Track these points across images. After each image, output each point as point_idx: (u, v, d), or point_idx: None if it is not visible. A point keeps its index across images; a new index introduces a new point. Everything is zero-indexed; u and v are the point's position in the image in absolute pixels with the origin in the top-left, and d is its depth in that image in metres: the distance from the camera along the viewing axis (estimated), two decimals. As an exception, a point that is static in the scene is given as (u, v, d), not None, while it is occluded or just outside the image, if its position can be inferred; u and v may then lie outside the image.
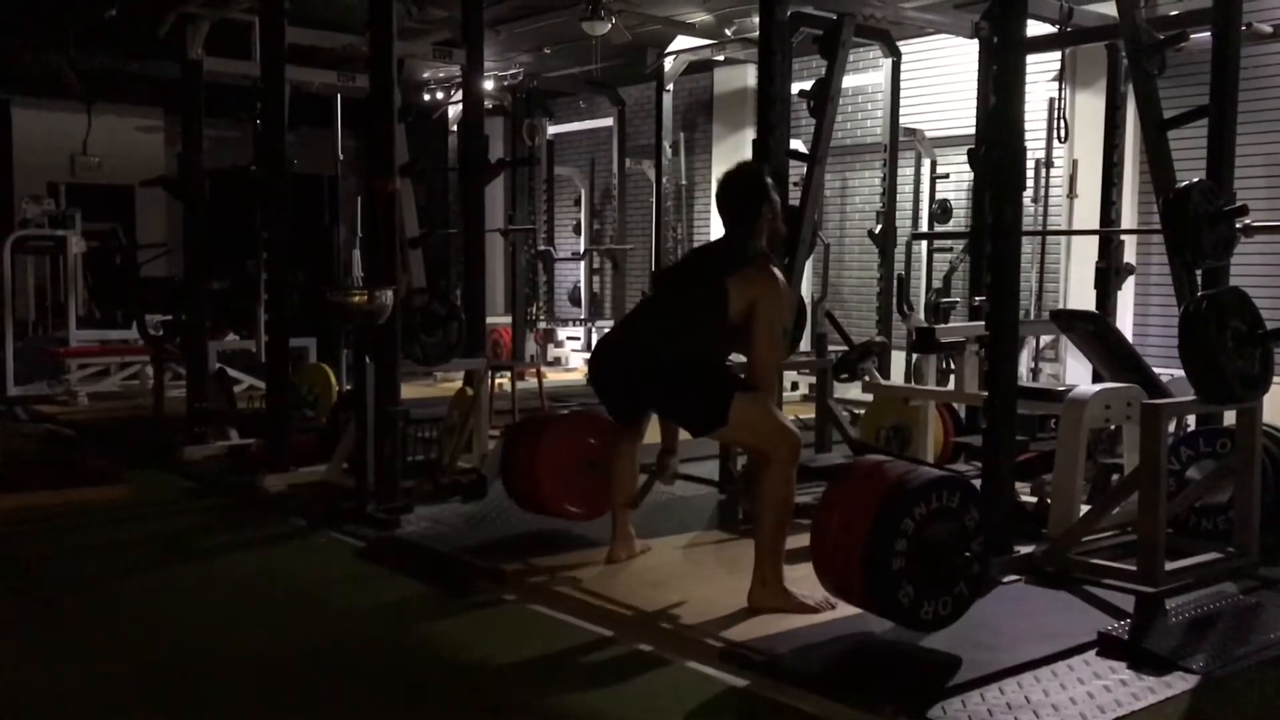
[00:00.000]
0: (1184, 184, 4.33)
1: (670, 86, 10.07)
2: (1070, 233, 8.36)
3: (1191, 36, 5.13)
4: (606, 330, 4.25)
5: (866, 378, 5.87)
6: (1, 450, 6.47)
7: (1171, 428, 4.46)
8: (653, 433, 4.37)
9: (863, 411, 6.64)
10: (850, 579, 3.35)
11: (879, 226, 7.55)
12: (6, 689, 3.28)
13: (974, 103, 6.61)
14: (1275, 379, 4.04)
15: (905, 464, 3.57)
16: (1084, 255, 7.71)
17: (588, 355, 4.24)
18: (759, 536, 3.82)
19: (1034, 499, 4.60)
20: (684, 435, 4.22)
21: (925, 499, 3.32)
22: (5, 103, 11.97)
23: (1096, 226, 6.47)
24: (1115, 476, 4.63)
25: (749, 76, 10.50)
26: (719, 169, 4.68)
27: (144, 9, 7.49)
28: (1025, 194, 5.15)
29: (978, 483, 4.07)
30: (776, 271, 3.92)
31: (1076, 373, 7.59)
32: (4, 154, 12.04)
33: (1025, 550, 4.14)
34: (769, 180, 4.13)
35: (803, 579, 3.94)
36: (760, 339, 3.83)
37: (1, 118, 12.14)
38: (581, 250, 12.43)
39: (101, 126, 12.18)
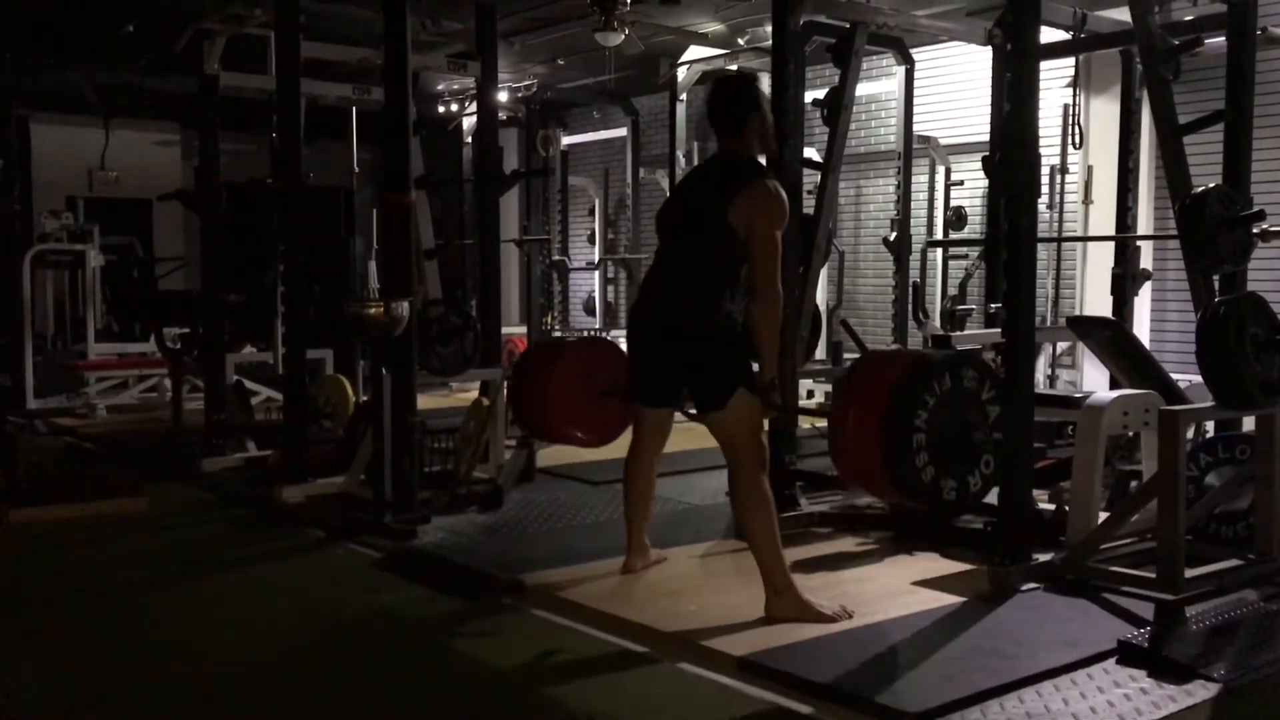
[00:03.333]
0: (1200, 189, 4.32)
1: (684, 96, 10.07)
2: (1086, 239, 8.33)
3: (1206, 42, 5.11)
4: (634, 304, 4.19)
5: (882, 386, 5.85)
6: (21, 463, 6.50)
7: (1190, 434, 4.44)
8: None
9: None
10: (871, 465, 3.29)
11: (894, 234, 7.55)
12: (26, 700, 3.30)
13: (988, 109, 6.61)
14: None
15: (914, 350, 3.54)
16: (1100, 261, 7.69)
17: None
18: (753, 546, 3.83)
19: (1052, 506, 4.58)
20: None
21: (939, 377, 3.26)
22: (24, 119, 12.06)
23: (1112, 232, 6.45)
24: (1134, 483, 4.62)
25: (762, 85, 10.50)
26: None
27: (161, 25, 7.56)
28: (1040, 200, 5.15)
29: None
30: (771, 184, 3.87)
31: (1094, 379, 7.56)
32: (23, 169, 12.13)
33: (1044, 558, 4.13)
34: (760, 90, 4.08)
35: (819, 588, 3.94)
36: (757, 250, 3.78)
37: (20, 133, 12.23)
38: (596, 260, 12.45)
39: (119, 141, 12.27)
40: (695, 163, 11.36)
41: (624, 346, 4.41)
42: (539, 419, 4.70)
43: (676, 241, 4.05)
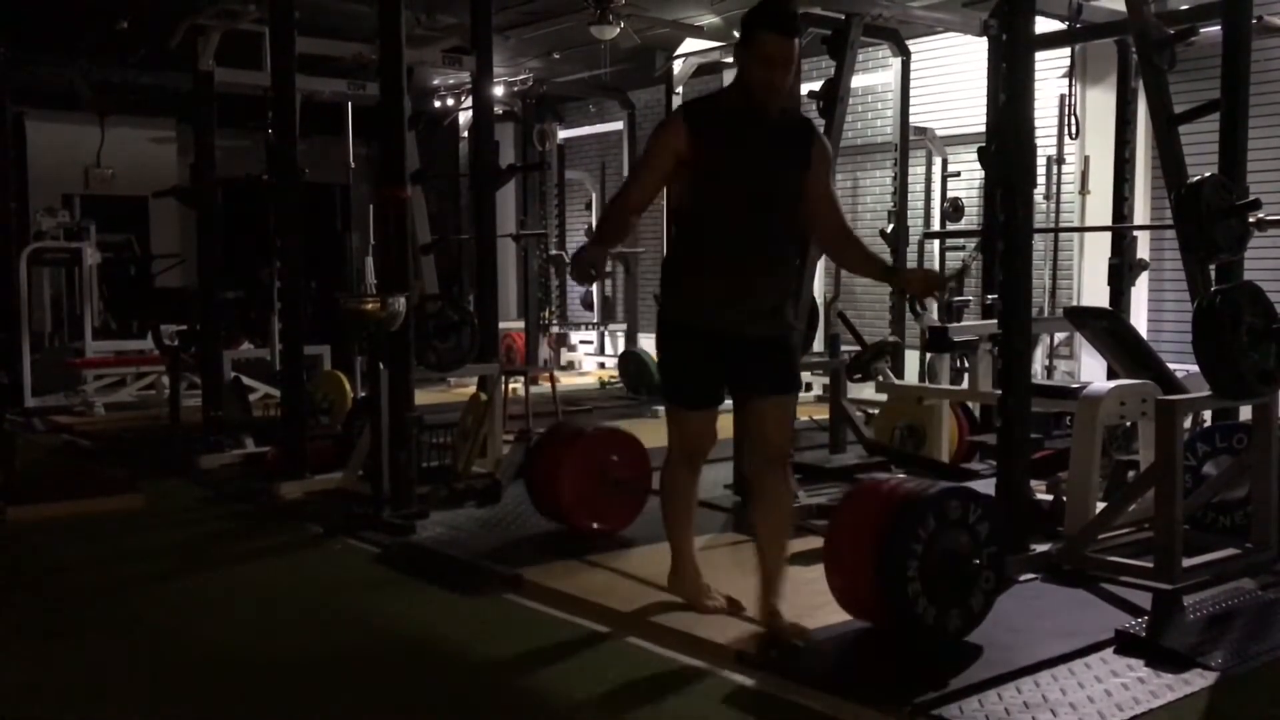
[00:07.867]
0: (1196, 179, 4.31)
1: (680, 89, 10.06)
2: (1083, 229, 8.33)
3: (1201, 31, 5.11)
4: (706, 282, 3.63)
5: (880, 377, 5.87)
6: (19, 461, 6.50)
7: (1187, 424, 4.44)
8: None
9: (877, 411, 6.63)
10: (867, 601, 3.39)
11: (890, 225, 7.54)
12: (26, 698, 3.30)
13: (984, 100, 6.60)
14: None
15: (906, 480, 3.62)
16: (1097, 251, 7.69)
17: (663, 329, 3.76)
18: (782, 545, 3.66)
19: (1050, 497, 4.58)
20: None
21: (931, 513, 3.34)
22: (19, 116, 12.03)
23: (1109, 223, 6.45)
24: (1131, 473, 4.61)
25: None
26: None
27: (155, 21, 7.55)
28: (1037, 191, 5.15)
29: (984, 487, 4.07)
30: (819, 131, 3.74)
31: (1091, 370, 7.56)
32: (19, 167, 12.09)
33: (1042, 548, 4.13)
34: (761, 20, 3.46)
35: (817, 579, 3.94)
36: (837, 203, 3.71)
37: (16, 131, 12.20)
38: (593, 254, 12.42)
39: (115, 138, 12.24)
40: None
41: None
42: (553, 508, 4.85)
43: (756, 222, 3.55)
